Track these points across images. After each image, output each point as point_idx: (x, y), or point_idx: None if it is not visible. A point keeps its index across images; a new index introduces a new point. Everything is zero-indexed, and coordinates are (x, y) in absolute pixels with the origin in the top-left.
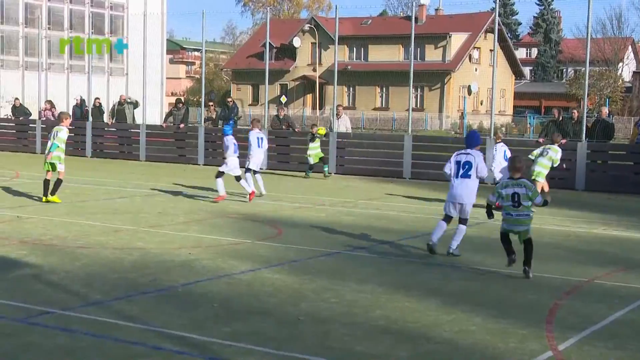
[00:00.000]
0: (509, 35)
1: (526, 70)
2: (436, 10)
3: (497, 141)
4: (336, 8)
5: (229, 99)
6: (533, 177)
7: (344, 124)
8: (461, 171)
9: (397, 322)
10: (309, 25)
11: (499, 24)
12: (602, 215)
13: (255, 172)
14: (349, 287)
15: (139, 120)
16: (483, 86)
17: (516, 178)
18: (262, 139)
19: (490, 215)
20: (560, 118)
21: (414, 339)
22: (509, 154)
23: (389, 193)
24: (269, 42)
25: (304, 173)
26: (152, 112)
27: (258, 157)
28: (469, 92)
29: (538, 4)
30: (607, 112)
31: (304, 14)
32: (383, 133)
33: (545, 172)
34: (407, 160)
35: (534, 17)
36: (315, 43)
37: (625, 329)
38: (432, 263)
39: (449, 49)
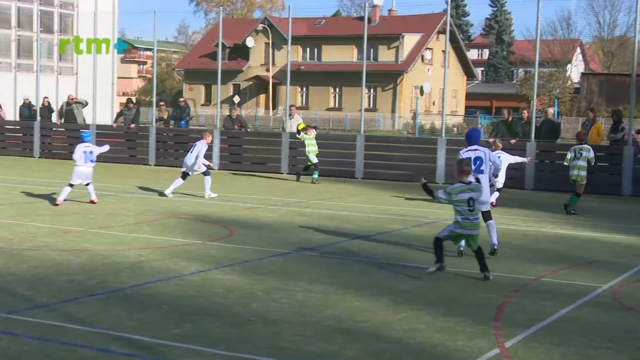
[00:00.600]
0: (461, 36)
1: (478, 71)
2: (389, 11)
3: (494, 149)
4: (289, 8)
5: (181, 99)
6: (574, 180)
7: (296, 124)
8: (473, 167)
9: (347, 322)
10: (262, 25)
11: (451, 25)
12: (550, 214)
13: (204, 173)
14: (300, 287)
15: (88, 121)
16: (435, 87)
17: (467, 182)
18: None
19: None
20: (510, 118)
21: (364, 339)
22: (510, 160)
23: (341, 193)
24: (222, 42)
25: (297, 175)
26: (102, 112)
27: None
28: (422, 93)
29: (491, 6)
30: (553, 112)
31: (258, 13)
32: (336, 133)
33: (585, 173)
34: (359, 160)
35: (487, 18)
36: (269, 43)
37: (570, 325)
38: (383, 263)
39: (402, 49)
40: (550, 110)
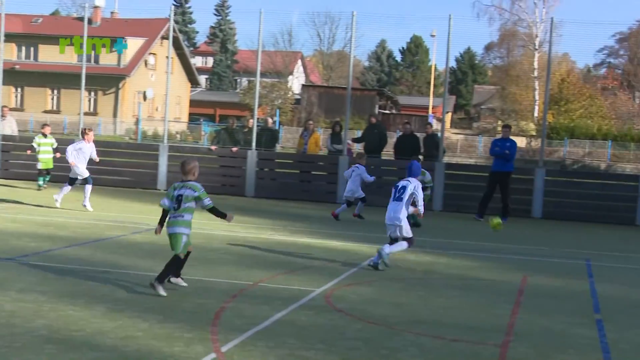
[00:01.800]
0: (186, 43)
1: (202, 79)
2: (112, 13)
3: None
4: (1, 3)
5: None
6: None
7: (9, 126)
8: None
9: (60, 331)
10: None
11: (175, 31)
12: (270, 221)
13: None
14: (9, 297)
15: None
16: (159, 92)
17: (185, 180)
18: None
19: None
20: (234, 126)
21: (78, 348)
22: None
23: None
24: None
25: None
26: None
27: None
28: (145, 98)
29: (215, 14)
30: (273, 121)
31: None
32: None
33: None
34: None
35: (211, 27)
36: None
37: (286, 329)
38: (99, 270)
39: (124, 53)
40: (270, 120)
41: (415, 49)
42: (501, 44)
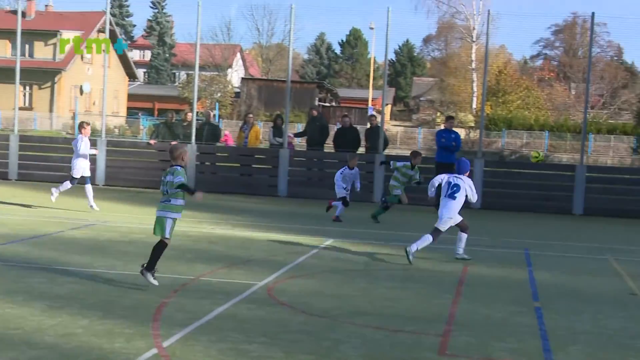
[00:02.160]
0: (124, 36)
1: (140, 72)
2: (46, 6)
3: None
4: None
5: None
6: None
7: None
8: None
9: None
10: None
11: (112, 25)
12: (211, 215)
13: None
14: None
15: None
16: (96, 86)
17: (172, 165)
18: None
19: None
20: (173, 120)
21: (16, 346)
22: None
23: None
24: None
25: None
26: None
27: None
28: (81, 92)
29: (152, 7)
30: (214, 115)
31: None
32: None
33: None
34: (13, 160)
35: (148, 20)
36: None
37: (227, 323)
38: (37, 267)
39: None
40: (212, 114)
41: (355, 41)
42: (439, 36)
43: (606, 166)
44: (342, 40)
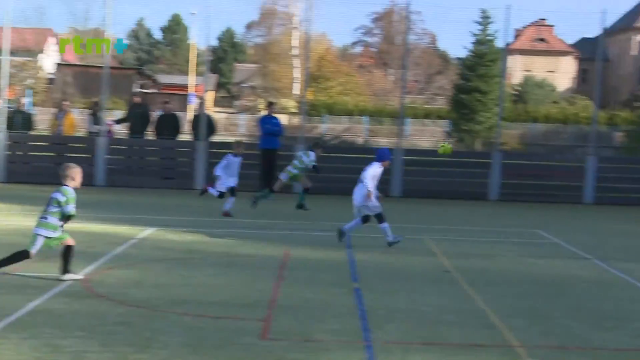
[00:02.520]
0: None
1: None
2: None
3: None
4: None
5: None
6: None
7: None
8: None
9: None
10: None
11: None
12: (22, 207)
13: None
14: None
15: None
16: None
17: (62, 184)
18: None
19: None
20: None
21: None
22: None
23: None
24: None
25: None
26: None
27: None
28: None
29: None
30: (25, 103)
31: None
32: None
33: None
34: None
35: None
36: None
37: (41, 318)
38: None
39: None
40: (23, 101)
41: (176, 27)
42: (261, 22)
43: (422, 149)
44: (163, 26)
